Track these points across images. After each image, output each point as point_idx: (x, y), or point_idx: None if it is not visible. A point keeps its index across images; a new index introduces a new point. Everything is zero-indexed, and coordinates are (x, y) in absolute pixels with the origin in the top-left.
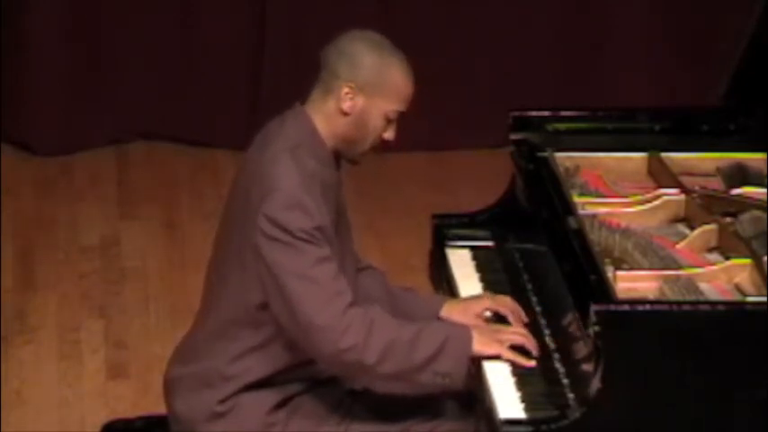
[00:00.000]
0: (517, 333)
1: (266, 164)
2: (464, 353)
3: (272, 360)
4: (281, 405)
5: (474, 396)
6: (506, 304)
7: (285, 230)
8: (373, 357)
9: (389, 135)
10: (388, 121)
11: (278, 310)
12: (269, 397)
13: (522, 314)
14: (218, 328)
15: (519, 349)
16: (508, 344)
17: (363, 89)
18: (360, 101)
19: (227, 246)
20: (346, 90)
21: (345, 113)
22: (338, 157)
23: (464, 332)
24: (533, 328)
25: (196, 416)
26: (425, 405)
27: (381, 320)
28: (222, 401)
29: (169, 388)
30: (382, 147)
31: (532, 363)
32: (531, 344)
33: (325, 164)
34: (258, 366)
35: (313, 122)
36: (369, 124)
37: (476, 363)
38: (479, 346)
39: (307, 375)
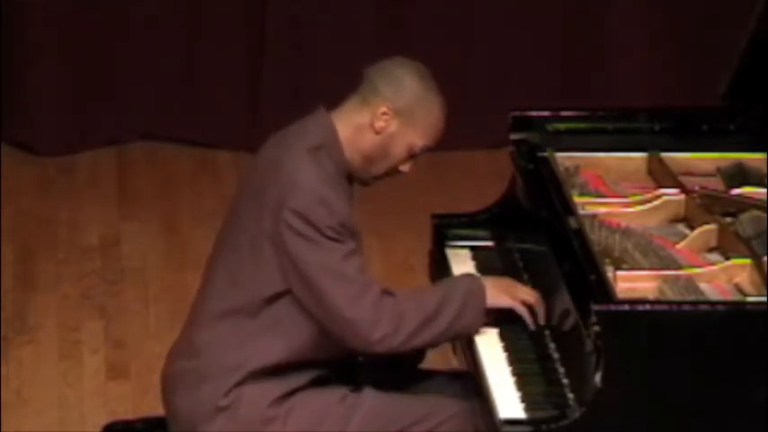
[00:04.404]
0: (531, 294)
1: (286, 160)
2: (481, 306)
3: (272, 348)
4: (282, 399)
5: (474, 395)
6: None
7: (313, 226)
8: (401, 340)
9: (406, 168)
10: (411, 154)
11: (308, 304)
12: (271, 389)
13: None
14: (217, 319)
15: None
16: (520, 300)
17: (400, 115)
18: (393, 125)
19: (235, 241)
20: (384, 110)
21: (376, 131)
22: (350, 176)
23: (479, 286)
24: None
25: (198, 411)
26: (425, 405)
27: (409, 306)
28: (225, 394)
29: (168, 385)
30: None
31: (540, 317)
32: (540, 307)
33: (341, 173)
34: (263, 350)
35: (336, 130)
36: (392, 150)
37: (475, 362)
38: (492, 298)
39: (309, 366)
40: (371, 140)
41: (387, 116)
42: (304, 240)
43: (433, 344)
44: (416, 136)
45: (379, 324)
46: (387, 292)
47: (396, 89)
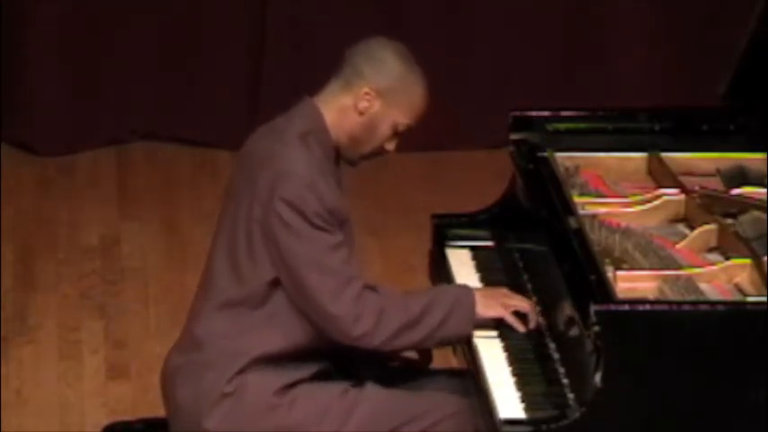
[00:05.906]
0: (524, 301)
1: (277, 148)
2: (469, 317)
3: (273, 338)
4: (285, 389)
5: (473, 394)
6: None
7: (301, 214)
8: (382, 339)
9: (391, 146)
10: (395, 132)
11: (293, 295)
12: (274, 379)
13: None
14: (218, 311)
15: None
16: (512, 309)
17: (383, 95)
18: (376, 105)
19: (232, 236)
20: (366, 90)
21: (359, 112)
22: (338, 155)
23: (468, 296)
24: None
25: (202, 400)
26: (426, 402)
27: (391, 304)
28: (229, 381)
29: (169, 380)
30: (380, 155)
31: (531, 325)
32: (533, 315)
33: (329, 157)
34: (264, 341)
35: (322, 115)
36: (377, 129)
37: (475, 362)
38: (483, 308)
39: (311, 359)
40: (356, 121)
41: (369, 96)
42: (291, 231)
43: (417, 347)
44: (400, 114)
45: (359, 320)
46: (370, 287)
47: (378, 70)
